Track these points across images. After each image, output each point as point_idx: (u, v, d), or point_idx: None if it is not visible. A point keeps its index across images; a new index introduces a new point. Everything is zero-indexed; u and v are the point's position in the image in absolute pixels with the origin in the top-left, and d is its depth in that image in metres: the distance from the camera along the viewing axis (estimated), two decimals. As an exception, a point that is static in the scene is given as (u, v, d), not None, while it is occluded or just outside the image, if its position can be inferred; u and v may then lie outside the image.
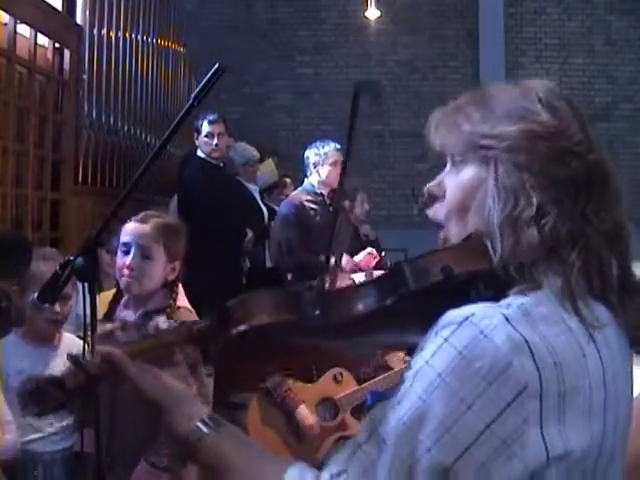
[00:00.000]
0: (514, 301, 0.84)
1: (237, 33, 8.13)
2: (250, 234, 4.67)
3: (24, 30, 3.94)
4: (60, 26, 4.34)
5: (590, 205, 0.89)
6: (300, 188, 4.49)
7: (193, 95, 1.14)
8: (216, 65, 1.13)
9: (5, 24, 3.72)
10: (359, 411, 2.99)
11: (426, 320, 0.85)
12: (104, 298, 2.24)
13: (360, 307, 0.94)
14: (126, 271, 2.06)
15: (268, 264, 5.41)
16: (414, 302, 0.91)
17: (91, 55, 4.65)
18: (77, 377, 1.00)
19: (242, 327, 0.94)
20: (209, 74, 1.13)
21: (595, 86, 8.06)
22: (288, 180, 6.00)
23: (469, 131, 0.93)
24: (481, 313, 0.82)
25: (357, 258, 4.33)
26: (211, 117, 4.50)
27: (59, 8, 4.51)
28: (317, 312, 0.94)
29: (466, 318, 0.81)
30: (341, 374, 3.07)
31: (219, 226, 4.42)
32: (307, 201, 4.27)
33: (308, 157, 4.30)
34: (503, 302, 0.84)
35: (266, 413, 3.00)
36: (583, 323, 0.85)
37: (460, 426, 0.78)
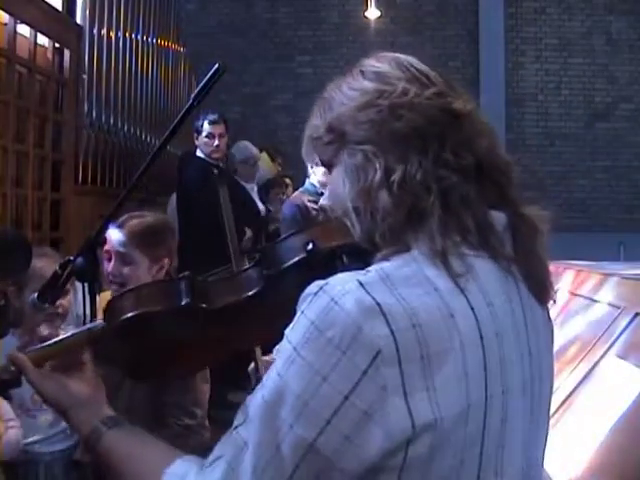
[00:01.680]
0: (375, 267, 0.82)
1: (237, 33, 8.13)
2: (249, 233, 4.67)
3: (24, 30, 3.93)
4: (60, 26, 4.34)
5: (446, 147, 0.86)
6: (301, 188, 4.50)
7: (193, 95, 1.14)
8: (216, 65, 1.13)
9: (5, 24, 3.72)
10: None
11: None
12: (104, 298, 2.23)
13: (230, 295, 0.96)
14: (111, 278, 2.07)
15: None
16: (286, 283, 0.92)
17: (91, 55, 4.65)
18: None
19: (118, 319, 0.98)
20: (209, 74, 1.13)
21: (595, 86, 8.06)
22: (288, 180, 6.00)
23: (315, 137, 0.95)
24: (335, 281, 0.80)
25: None
26: (212, 117, 4.50)
27: (59, 8, 4.51)
28: (187, 300, 0.96)
29: (320, 288, 0.79)
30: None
31: (218, 226, 4.42)
32: (309, 201, 4.29)
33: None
34: (365, 270, 0.82)
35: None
36: (452, 278, 0.81)
37: (318, 400, 0.76)
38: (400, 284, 0.79)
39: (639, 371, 1.63)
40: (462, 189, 0.85)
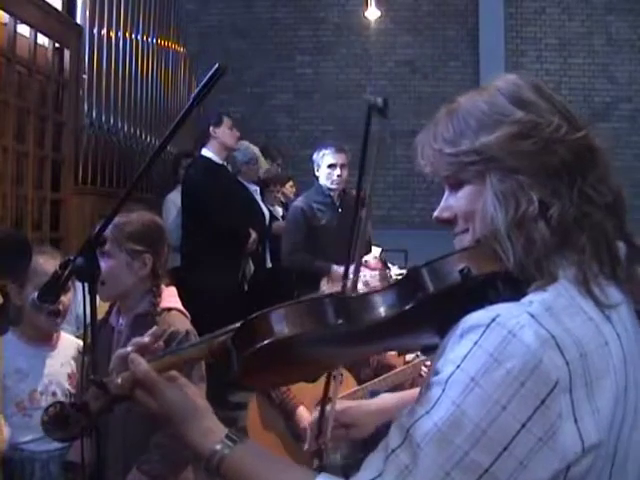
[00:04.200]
0: (535, 297, 0.85)
1: (237, 33, 8.13)
2: (254, 235, 4.68)
3: (24, 30, 3.93)
4: (60, 26, 4.34)
5: (587, 183, 0.90)
6: (311, 190, 4.53)
7: (193, 95, 1.14)
8: (216, 65, 1.13)
9: (5, 24, 3.72)
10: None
11: (445, 323, 0.86)
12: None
13: (381, 313, 0.94)
14: None
15: (268, 265, 5.43)
16: (434, 306, 0.91)
17: (91, 55, 4.64)
18: (99, 399, 1.01)
19: (265, 341, 0.93)
20: (209, 74, 1.13)
21: (595, 86, 8.06)
22: (291, 182, 6.03)
23: (451, 153, 0.94)
24: (507, 313, 0.83)
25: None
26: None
27: (59, 8, 4.50)
28: (340, 321, 0.94)
29: (493, 319, 0.82)
30: (341, 374, 3.06)
31: (225, 227, 4.44)
32: (315, 202, 4.31)
33: (313, 159, 4.37)
34: (525, 300, 0.85)
35: (265, 414, 2.99)
36: (599, 306, 0.86)
37: (496, 427, 0.79)
38: (562, 314, 0.84)
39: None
40: (604, 224, 0.91)
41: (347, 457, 2.25)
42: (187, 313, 2.14)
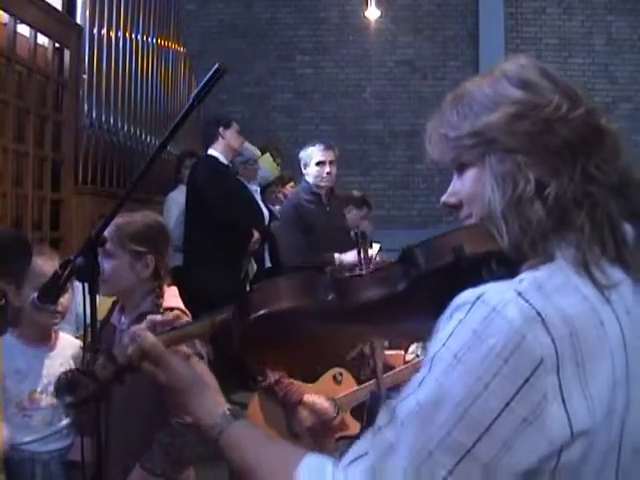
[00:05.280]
0: (526, 276, 0.84)
1: (237, 33, 8.13)
2: (256, 235, 4.69)
3: (24, 30, 3.93)
4: (60, 26, 4.34)
5: (591, 162, 0.89)
6: (298, 187, 4.51)
7: (193, 95, 1.14)
8: (216, 65, 1.13)
9: (5, 24, 3.72)
10: (359, 411, 2.98)
11: (441, 304, 0.85)
12: (106, 299, 2.23)
13: (374, 291, 0.94)
14: None
15: (266, 265, 5.44)
16: (428, 285, 0.91)
17: (91, 55, 4.64)
18: (107, 368, 1.07)
19: (259, 312, 0.95)
20: (209, 74, 1.13)
21: (595, 86, 8.06)
22: (292, 183, 6.03)
23: (454, 136, 0.94)
24: (493, 291, 0.81)
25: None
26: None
27: (59, 8, 4.50)
28: (331, 296, 0.95)
29: (478, 297, 0.81)
30: (341, 374, 3.06)
31: (229, 226, 4.45)
32: (305, 200, 4.29)
33: (301, 157, 4.34)
34: (516, 278, 0.84)
35: (266, 413, 2.99)
36: (597, 287, 0.84)
37: (478, 407, 0.77)
38: (554, 293, 0.81)
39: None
40: (607, 205, 0.88)
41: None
42: (188, 313, 2.15)
